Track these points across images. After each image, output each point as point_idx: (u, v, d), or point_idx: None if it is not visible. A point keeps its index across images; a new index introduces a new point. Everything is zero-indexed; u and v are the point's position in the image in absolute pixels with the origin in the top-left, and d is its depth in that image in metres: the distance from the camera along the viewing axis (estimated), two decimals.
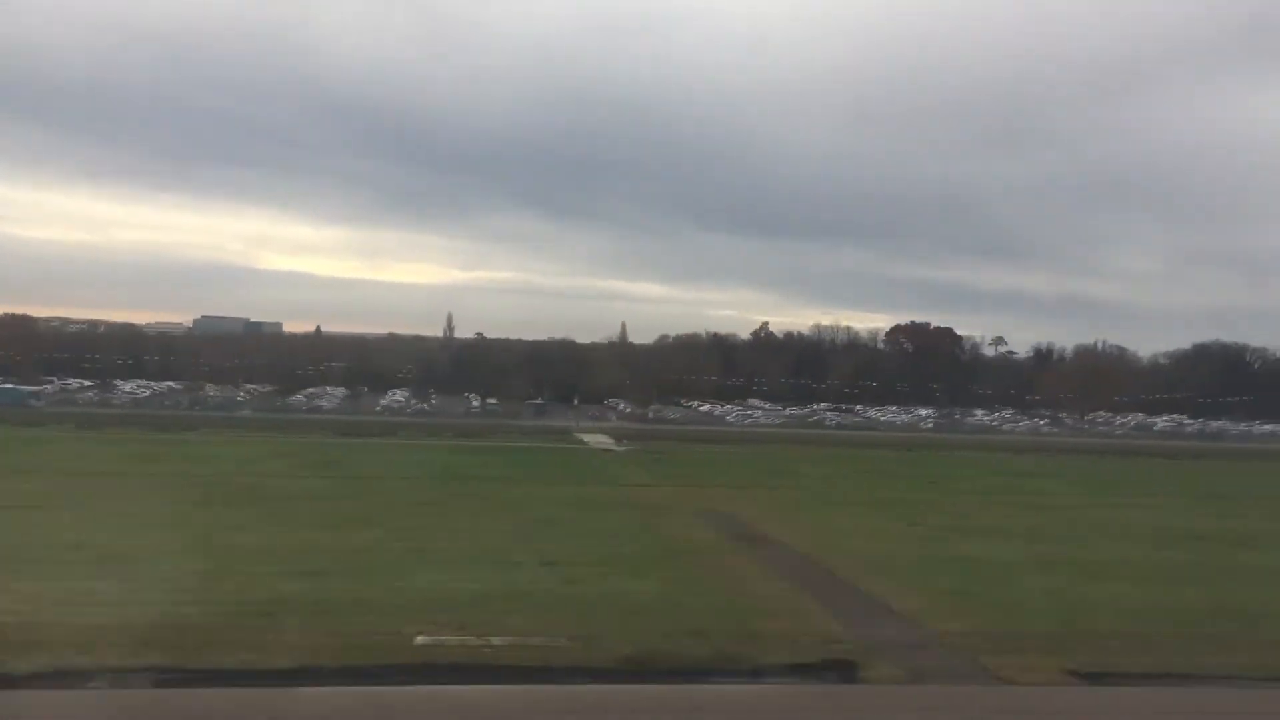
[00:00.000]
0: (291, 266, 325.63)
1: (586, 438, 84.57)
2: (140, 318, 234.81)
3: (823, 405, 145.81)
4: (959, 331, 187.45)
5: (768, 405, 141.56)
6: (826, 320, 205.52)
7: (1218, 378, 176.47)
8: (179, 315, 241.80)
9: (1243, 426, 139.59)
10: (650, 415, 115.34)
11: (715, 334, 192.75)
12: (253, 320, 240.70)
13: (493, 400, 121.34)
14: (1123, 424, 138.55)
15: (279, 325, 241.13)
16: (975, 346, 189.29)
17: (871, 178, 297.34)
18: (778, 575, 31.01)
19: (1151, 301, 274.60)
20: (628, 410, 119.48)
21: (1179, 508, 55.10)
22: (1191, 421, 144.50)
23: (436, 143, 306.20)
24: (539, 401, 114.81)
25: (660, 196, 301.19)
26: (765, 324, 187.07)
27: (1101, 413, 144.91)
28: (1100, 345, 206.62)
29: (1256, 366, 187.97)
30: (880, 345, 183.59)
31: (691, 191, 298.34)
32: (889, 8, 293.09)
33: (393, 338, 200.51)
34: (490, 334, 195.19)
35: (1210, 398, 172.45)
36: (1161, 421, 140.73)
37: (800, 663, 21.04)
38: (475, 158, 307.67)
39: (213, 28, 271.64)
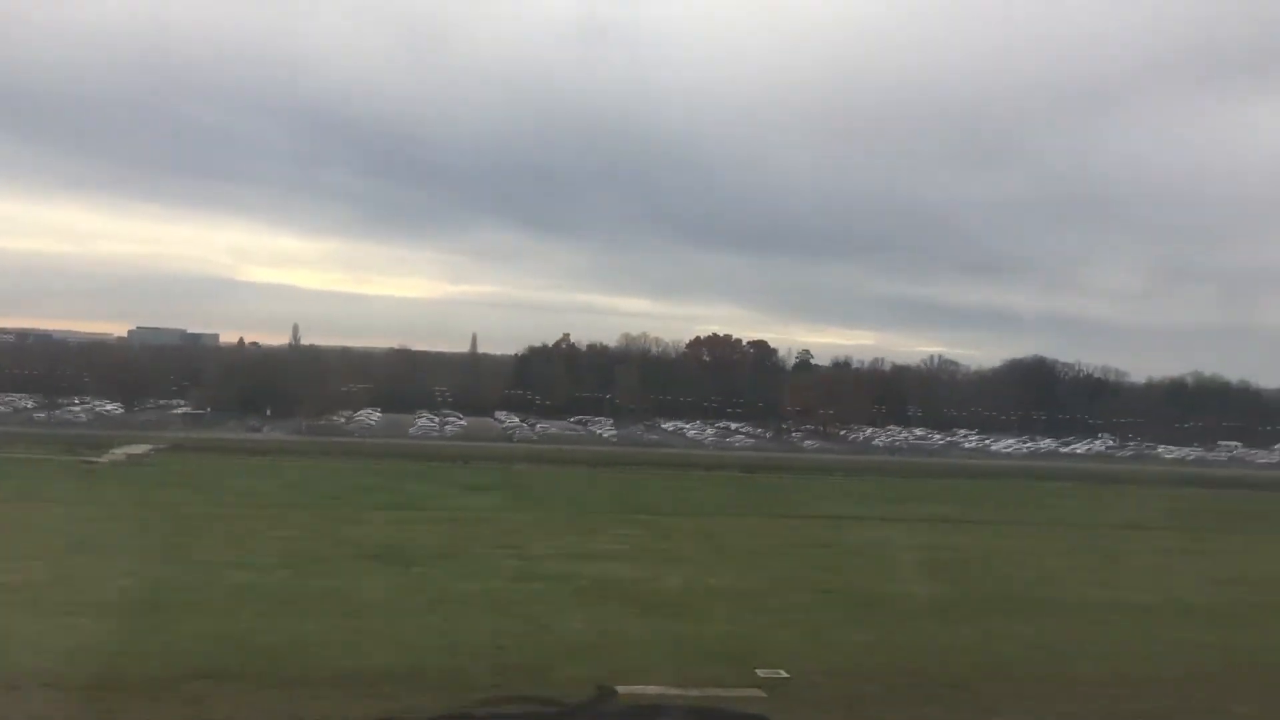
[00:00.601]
0: (273, 279, 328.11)
1: (126, 447, 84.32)
2: (120, 329, 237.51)
3: (571, 419, 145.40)
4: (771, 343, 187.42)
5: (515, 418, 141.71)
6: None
7: (1029, 393, 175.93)
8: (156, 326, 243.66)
9: (976, 443, 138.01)
10: (306, 426, 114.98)
11: (532, 346, 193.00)
12: (190, 331, 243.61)
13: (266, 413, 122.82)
14: (858, 438, 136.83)
15: (216, 337, 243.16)
16: (783, 359, 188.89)
17: (857, 193, 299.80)
18: None
19: (1132, 320, 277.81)
20: (314, 421, 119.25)
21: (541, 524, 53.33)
22: (941, 437, 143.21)
23: (418, 157, 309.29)
24: (204, 411, 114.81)
25: (645, 212, 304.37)
26: (566, 335, 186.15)
27: (855, 425, 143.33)
28: (935, 360, 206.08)
29: (1066, 380, 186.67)
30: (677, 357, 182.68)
31: (677, 207, 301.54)
32: (869, 24, 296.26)
33: (293, 347, 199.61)
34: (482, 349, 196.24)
35: (1013, 413, 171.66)
36: (893, 436, 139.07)
37: None
38: (457, 172, 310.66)
39: (195, 41, 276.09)
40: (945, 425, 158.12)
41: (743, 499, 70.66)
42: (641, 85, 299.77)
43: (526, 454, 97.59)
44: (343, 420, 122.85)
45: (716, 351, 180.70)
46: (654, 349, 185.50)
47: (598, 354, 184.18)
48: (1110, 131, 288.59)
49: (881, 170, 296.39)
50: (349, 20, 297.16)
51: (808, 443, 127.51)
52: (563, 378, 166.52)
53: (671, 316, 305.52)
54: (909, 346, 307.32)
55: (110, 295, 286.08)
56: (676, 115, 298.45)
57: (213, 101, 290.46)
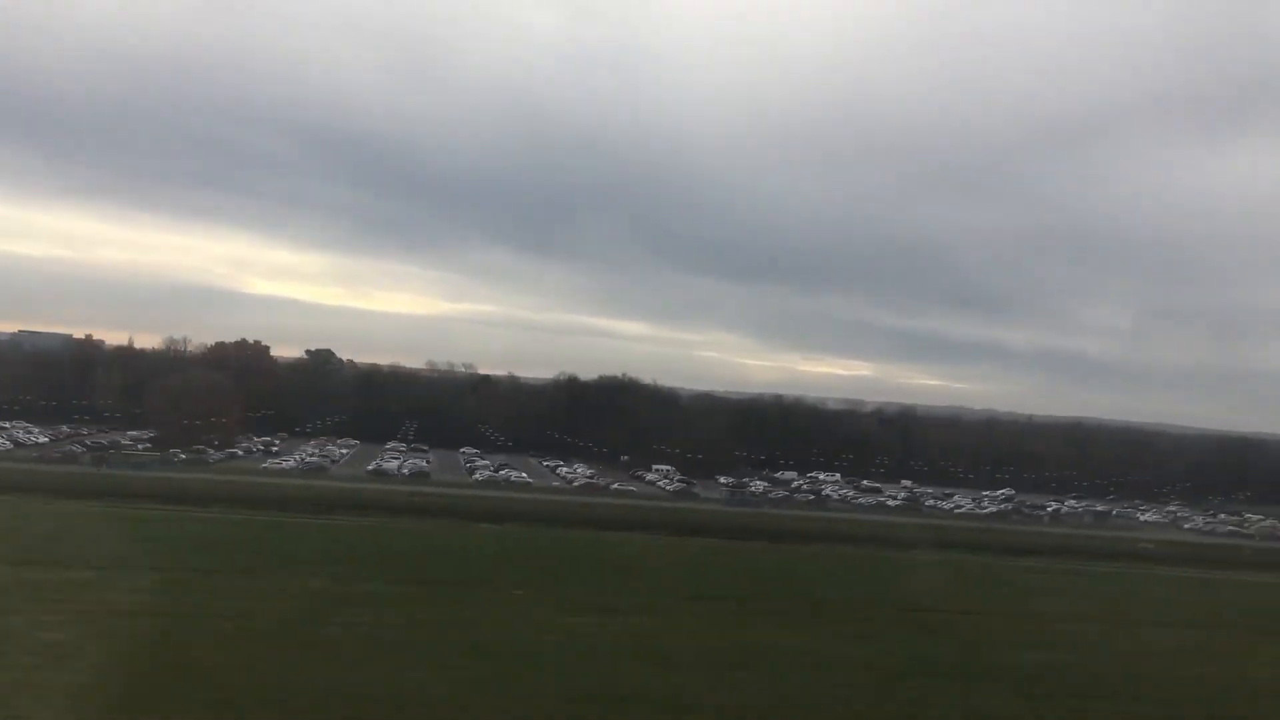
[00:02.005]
0: (272, 291, 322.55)
1: None
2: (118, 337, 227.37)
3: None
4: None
5: None
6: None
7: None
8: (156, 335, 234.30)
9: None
10: None
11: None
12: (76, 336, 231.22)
13: None
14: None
15: (100, 343, 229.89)
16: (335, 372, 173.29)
17: (848, 225, 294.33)
18: None
19: (1119, 357, 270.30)
20: None
21: None
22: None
23: (415, 175, 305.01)
24: None
25: (638, 237, 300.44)
26: (89, 335, 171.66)
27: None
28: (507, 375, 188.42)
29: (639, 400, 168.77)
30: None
31: (670, 233, 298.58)
32: (867, 58, 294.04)
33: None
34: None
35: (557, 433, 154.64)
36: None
37: None
38: (453, 191, 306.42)
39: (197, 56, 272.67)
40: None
41: None
42: (641, 113, 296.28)
43: None
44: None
45: (248, 359, 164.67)
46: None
47: (129, 356, 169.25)
48: (1102, 169, 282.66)
49: (877, 203, 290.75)
50: (350, 41, 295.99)
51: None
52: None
53: (670, 341, 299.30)
54: (908, 379, 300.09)
55: (104, 301, 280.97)
56: (676, 144, 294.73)
57: (213, 114, 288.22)
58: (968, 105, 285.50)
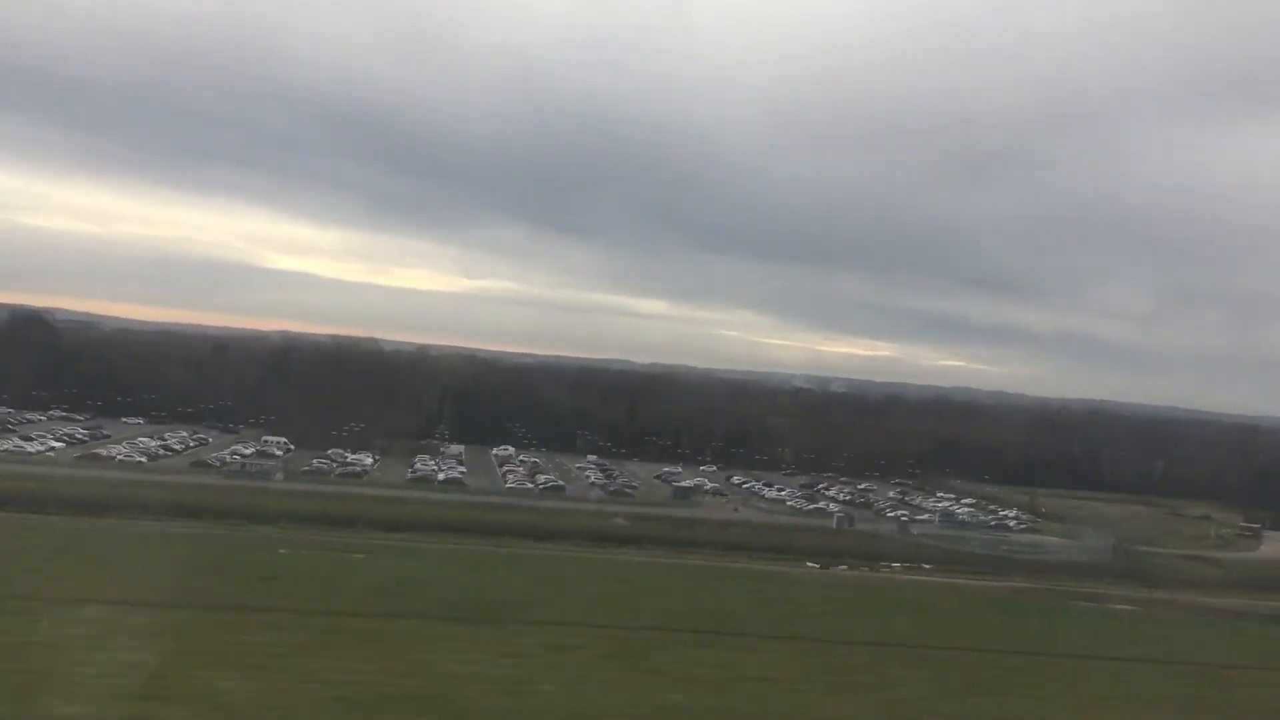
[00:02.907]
0: (289, 266, 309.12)
1: None
2: (145, 313, 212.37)
3: None
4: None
5: None
6: None
7: None
8: (177, 310, 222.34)
9: None
10: None
11: None
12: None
13: None
14: None
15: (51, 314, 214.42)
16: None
17: (869, 207, 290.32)
18: None
19: (1135, 340, 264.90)
20: None
21: None
22: None
23: (432, 153, 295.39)
24: None
25: (657, 215, 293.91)
26: None
27: None
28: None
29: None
30: None
31: (689, 212, 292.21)
32: (883, 41, 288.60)
33: None
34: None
35: None
36: None
37: None
38: (470, 169, 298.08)
39: (211, 34, 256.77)
40: None
41: None
42: (661, 92, 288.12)
43: None
44: None
45: None
46: None
47: None
48: (1116, 153, 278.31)
49: (896, 185, 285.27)
50: (367, 21, 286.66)
51: None
52: None
53: (689, 320, 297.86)
54: (929, 360, 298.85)
55: (129, 276, 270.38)
56: (697, 124, 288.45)
57: (230, 93, 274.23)
58: (985, 89, 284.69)
